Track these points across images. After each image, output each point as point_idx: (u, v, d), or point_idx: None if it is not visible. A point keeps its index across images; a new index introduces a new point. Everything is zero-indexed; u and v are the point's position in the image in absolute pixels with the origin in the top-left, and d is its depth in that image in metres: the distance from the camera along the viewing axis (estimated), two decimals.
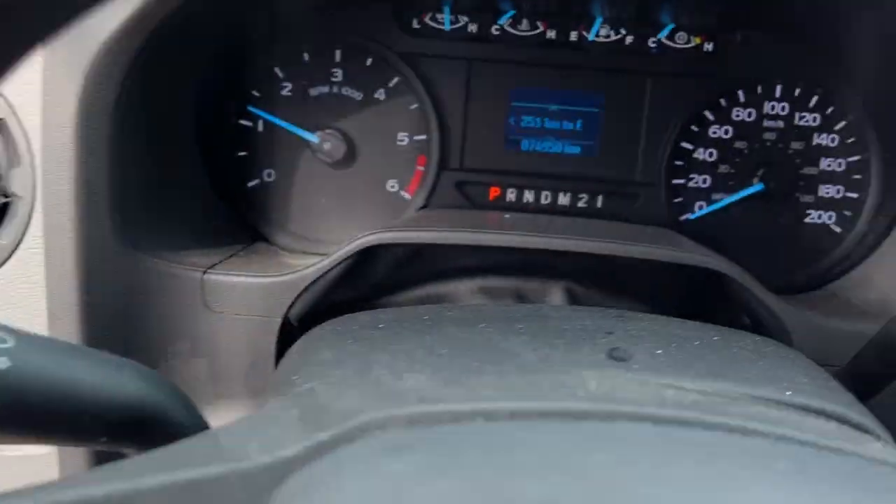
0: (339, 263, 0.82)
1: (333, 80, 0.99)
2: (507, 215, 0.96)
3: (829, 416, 0.51)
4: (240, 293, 0.84)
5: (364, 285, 0.90)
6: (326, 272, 0.83)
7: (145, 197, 0.84)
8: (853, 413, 0.53)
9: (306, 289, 0.83)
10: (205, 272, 0.83)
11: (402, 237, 0.81)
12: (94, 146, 0.76)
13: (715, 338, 0.62)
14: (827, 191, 1.01)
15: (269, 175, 1.00)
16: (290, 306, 0.83)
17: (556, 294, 0.90)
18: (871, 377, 0.71)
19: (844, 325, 0.84)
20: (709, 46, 0.99)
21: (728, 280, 0.84)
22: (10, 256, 0.79)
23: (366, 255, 0.85)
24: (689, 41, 0.99)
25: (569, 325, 0.62)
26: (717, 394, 0.50)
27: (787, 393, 0.54)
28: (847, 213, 1.00)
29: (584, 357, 0.55)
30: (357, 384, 0.48)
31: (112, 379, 0.51)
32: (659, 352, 0.57)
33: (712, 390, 0.50)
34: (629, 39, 0.99)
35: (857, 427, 0.51)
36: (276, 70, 0.98)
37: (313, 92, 0.98)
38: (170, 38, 0.78)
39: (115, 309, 0.80)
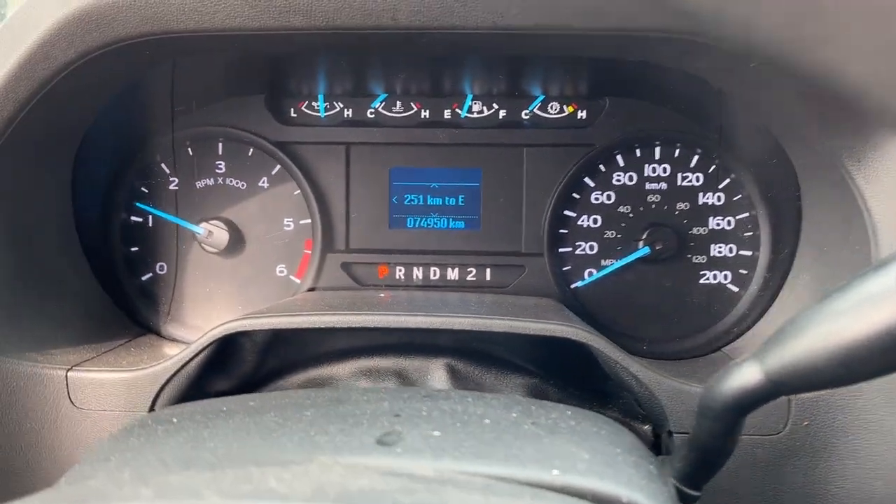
0: (199, 353, 0.83)
1: (217, 171, 1.01)
2: (381, 293, 0.96)
3: (588, 495, 0.49)
4: (104, 389, 0.84)
5: (237, 373, 0.90)
6: (187, 363, 0.83)
7: (11, 296, 0.86)
8: (624, 491, 0.50)
9: (169, 381, 0.84)
10: (69, 369, 0.84)
11: (253, 324, 0.81)
12: None
13: (513, 415, 0.61)
14: (719, 250, 0.99)
15: (162, 268, 1.02)
16: (155, 399, 0.84)
17: (437, 372, 0.89)
18: (707, 449, 0.67)
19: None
20: (582, 114, 0.99)
21: (595, 350, 0.82)
22: None
23: (228, 344, 0.86)
24: (561, 110, 1.00)
25: (361, 409, 0.61)
26: (459, 473, 0.48)
27: (554, 472, 0.52)
28: (742, 271, 0.98)
29: (352, 441, 0.54)
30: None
31: None
32: (436, 433, 0.55)
33: (455, 470, 0.48)
34: (502, 113, 1.00)
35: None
36: (163, 165, 1.01)
37: (199, 184, 1.01)
38: (34, 137, 0.81)
39: None
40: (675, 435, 0.77)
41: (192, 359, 0.85)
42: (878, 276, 0.50)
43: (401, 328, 0.84)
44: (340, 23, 0.72)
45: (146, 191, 1.01)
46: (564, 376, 0.86)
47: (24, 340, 0.85)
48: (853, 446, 0.78)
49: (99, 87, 0.82)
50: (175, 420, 0.62)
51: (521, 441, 0.56)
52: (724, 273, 0.98)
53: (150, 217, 1.01)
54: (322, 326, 0.83)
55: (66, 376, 0.85)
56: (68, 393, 0.84)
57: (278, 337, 0.89)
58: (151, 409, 0.87)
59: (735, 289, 0.98)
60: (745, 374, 0.59)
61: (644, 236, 0.97)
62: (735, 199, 0.97)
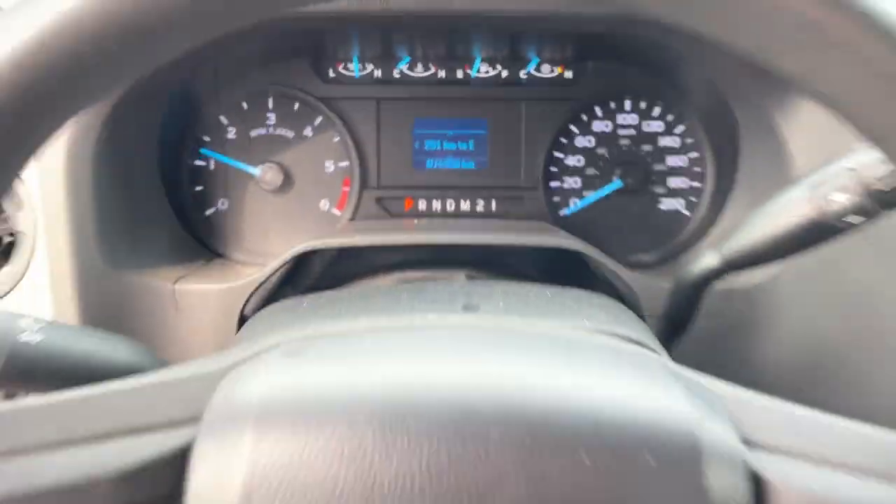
0: (279, 269, 1.05)
1: (268, 123, 1.21)
2: (416, 221, 1.19)
3: (611, 334, 0.74)
4: (204, 298, 1.06)
5: (303, 285, 1.12)
6: (270, 276, 1.05)
7: (122, 227, 1.05)
8: (632, 333, 0.76)
9: (255, 291, 1.06)
10: (175, 282, 1.05)
11: (324, 244, 1.03)
12: (79, 189, 0.98)
13: (548, 294, 0.85)
14: (675, 183, 1.25)
15: (223, 204, 1.22)
16: (244, 306, 1.05)
17: (459, 279, 1.13)
18: (677, 321, 0.94)
19: None
20: (569, 74, 1.23)
21: (587, 258, 1.07)
22: (19, 282, 1.00)
23: (301, 262, 1.08)
24: (552, 71, 1.23)
25: (439, 293, 0.85)
26: (528, 321, 0.73)
27: (585, 321, 0.77)
28: (693, 199, 1.24)
29: (447, 308, 0.78)
30: (273, 329, 0.70)
31: (113, 350, 0.73)
32: (501, 304, 0.80)
33: (525, 322, 0.73)
34: (504, 73, 1.23)
35: (634, 341, 0.74)
36: (222, 118, 1.20)
37: (253, 133, 1.21)
38: (135, 98, 1.00)
39: (105, 317, 1.02)
40: (647, 317, 1.04)
41: (276, 270, 1.06)
42: (792, 190, 0.77)
43: (431, 245, 1.08)
44: (406, 6, 0.94)
45: (208, 139, 1.21)
46: (561, 282, 1.12)
47: (137, 259, 1.06)
48: (770, 321, 1.07)
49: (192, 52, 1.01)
50: (305, 304, 0.84)
51: (557, 307, 0.80)
52: (678, 200, 1.25)
53: (212, 161, 1.21)
54: (379, 244, 1.06)
55: (174, 288, 1.06)
56: (176, 302, 1.05)
57: (341, 254, 1.11)
58: (241, 315, 1.08)
59: (687, 213, 1.24)
60: (708, 259, 0.85)
61: (617, 172, 1.23)
62: (688, 142, 1.23)
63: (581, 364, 0.56)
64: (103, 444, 0.49)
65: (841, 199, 0.73)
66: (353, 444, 0.48)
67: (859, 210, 0.72)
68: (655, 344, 0.77)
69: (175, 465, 0.49)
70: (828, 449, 0.51)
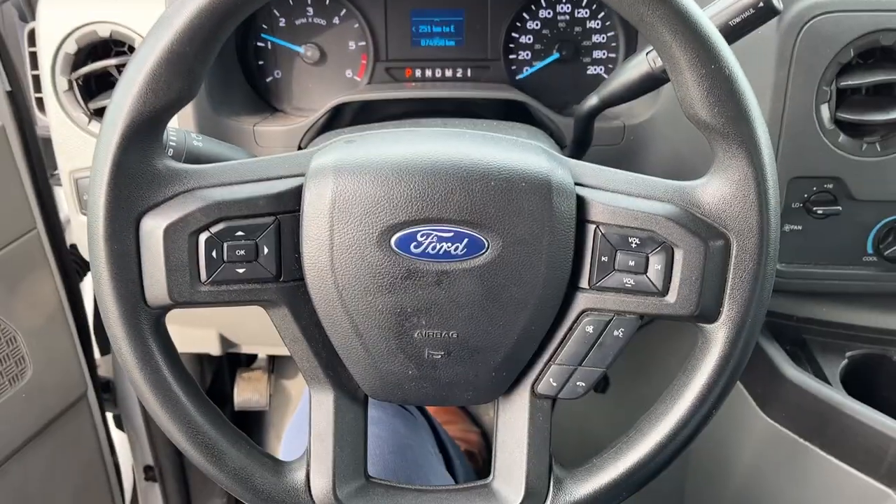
0: (322, 116, 1.56)
1: (308, 14, 1.67)
2: (413, 84, 1.69)
3: (525, 139, 1.24)
4: (274, 136, 1.57)
5: (337, 128, 1.64)
6: (317, 121, 1.57)
7: (219, 89, 1.56)
8: (537, 140, 1.27)
9: (307, 132, 1.58)
10: (255, 125, 1.57)
11: (351, 98, 1.53)
12: None
13: (494, 123, 1.37)
14: (597, 54, 1.72)
15: (278, 74, 1.72)
16: (301, 139, 1.58)
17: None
18: (580, 142, 1.46)
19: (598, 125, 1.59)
20: None
21: (529, 106, 1.58)
22: None
23: (335, 112, 1.59)
24: None
25: (430, 122, 1.37)
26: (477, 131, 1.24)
27: (514, 134, 1.28)
28: (610, 66, 1.73)
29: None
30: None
31: (238, 152, 1.27)
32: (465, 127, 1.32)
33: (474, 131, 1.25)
34: None
35: (535, 143, 1.25)
36: (274, 11, 1.68)
37: (297, 22, 1.68)
38: None
39: None
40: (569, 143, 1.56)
41: (321, 117, 1.56)
42: (638, 53, 1.27)
43: (424, 98, 1.58)
44: None
45: (266, 27, 1.69)
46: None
47: (229, 109, 1.56)
48: (648, 147, 1.57)
49: None
50: (345, 132, 1.36)
51: (502, 129, 1.31)
52: (600, 67, 1.73)
53: (269, 42, 1.69)
54: (389, 98, 1.56)
55: (253, 129, 1.58)
56: (255, 139, 1.58)
57: (362, 107, 1.62)
58: (299, 146, 1.61)
59: (605, 76, 1.72)
60: (591, 100, 1.34)
61: (556, 47, 1.71)
62: (607, 24, 1.67)
63: (500, 149, 1.02)
64: (258, 183, 0.84)
65: (659, 62, 1.23)
66: (381, 178, 0.98)
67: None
68: (551, 146, 1.29)
69: (296, 194, 0.82)
70: (625, 186, 0.86)
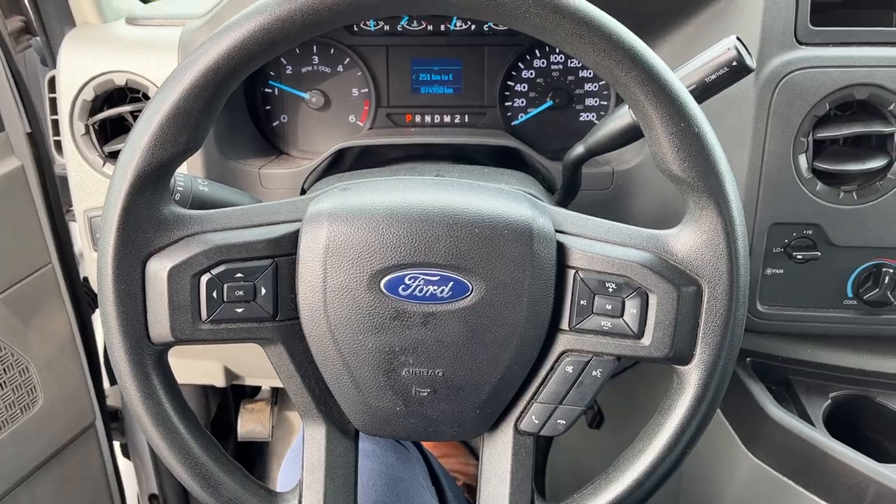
0: (325, 160, 1.63)
1: (313, 62, 1.76)
2: (412, 129, 1.76)
3: (513, 187, 1.30)
4: (279, 178, 1.63)
5: (339, 172, 1.71)
6: (319, 164, 1.64)
7: (227, 133, 1.64)
8: (526, 188, 1.34)
9: (310, 174, 1.65)
10: (261, 168, 1.64)
11: (354, 143, 1.60)
12: None
13: (486, 171, 1.43)
14: (589, 102, 1.79)
15: (284, 118, 1.80)
16: (304, 182, 1.65)
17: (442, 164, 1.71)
18: (568, 189, 1.52)
19: (588, 171, 1.65)
20: None
21: (522, 152, 1.65)
22: None
23: (337, 156, 1.66)
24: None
25: (424, 170, 1.43)
26: (469, 181, 1.30)
27: (503, 182, 1.34)
28: (601, 113, 1.80)
29: (425, 174, 1.36)
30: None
31: (242, 196, 1.33)
32: (457, 174, 1.38)
33: (466, 180, 1.30)
34: (473, 27, 1.76)
35: (524, 191, 1.31)
36: (282, 59, 1.76)
37: (303, 70, 1.76)
38: None
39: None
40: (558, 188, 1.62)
41: (323, 160, 1.62)
42: (622, 105, 1.34)
43: (422, 144, 1.65)
44: None
45: (273, 73, 1.77)
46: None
47: (236, 153, 1.62)
48: (635, 193, 1.62)
49: None
50: (344, 177, 1.43)
51: (494, 175, 1.38)
52: (592, 114, 1.80)
53: (276, 89, 1.78)
54: (389, 144, 1.63)
55: (259, 172, 1.66)
56: (259, 181, 1.65)
57: (363, 151, 1.69)
58: (302, 189, 1.68)
59: (597, 122, 1.80)
60: (578, 149, 1.40)
61: (550, 94, 1.78)
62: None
63: (486, 197, 1.02)
64: (257, 228, 0.86)
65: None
66: (373, 225, 0.91)
67: None
68: (540, 193, 1.36)
69: (293, 238, 0.84)
70: (604, 234, 0.88)
